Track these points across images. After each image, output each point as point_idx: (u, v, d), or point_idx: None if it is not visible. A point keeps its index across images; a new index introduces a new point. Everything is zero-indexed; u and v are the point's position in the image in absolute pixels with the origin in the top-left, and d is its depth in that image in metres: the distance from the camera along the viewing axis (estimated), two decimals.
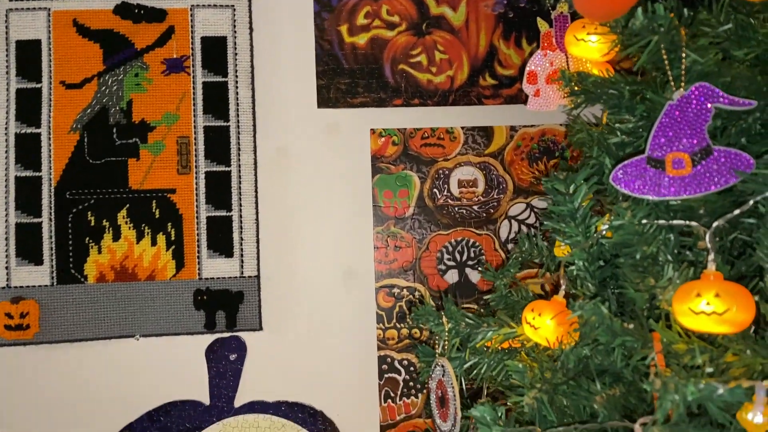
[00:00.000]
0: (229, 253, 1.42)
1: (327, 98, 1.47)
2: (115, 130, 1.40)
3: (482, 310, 1.32)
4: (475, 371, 1.01)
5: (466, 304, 1.49)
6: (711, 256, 0.71)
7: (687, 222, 0.77)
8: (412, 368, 1.48)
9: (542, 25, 1.17)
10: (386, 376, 1.48)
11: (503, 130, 1.50)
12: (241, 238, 1.42)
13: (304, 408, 1.46)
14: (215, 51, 1.42)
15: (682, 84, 0.77)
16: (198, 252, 1.41)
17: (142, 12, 1.39)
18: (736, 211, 0.72)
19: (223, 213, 1.42)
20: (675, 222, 0.78)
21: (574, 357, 0.83)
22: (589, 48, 0.94)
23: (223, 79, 1.42)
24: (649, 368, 0.73)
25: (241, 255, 1.42)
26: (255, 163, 1.43)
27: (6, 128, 1.37)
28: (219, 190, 1.42)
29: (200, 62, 1.42)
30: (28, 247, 1.37)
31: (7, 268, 1.36)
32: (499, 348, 0.99)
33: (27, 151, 1.37)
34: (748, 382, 0.61)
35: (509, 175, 1.50)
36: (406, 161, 1.48)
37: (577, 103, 0.94)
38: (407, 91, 1.48)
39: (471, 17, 1.49)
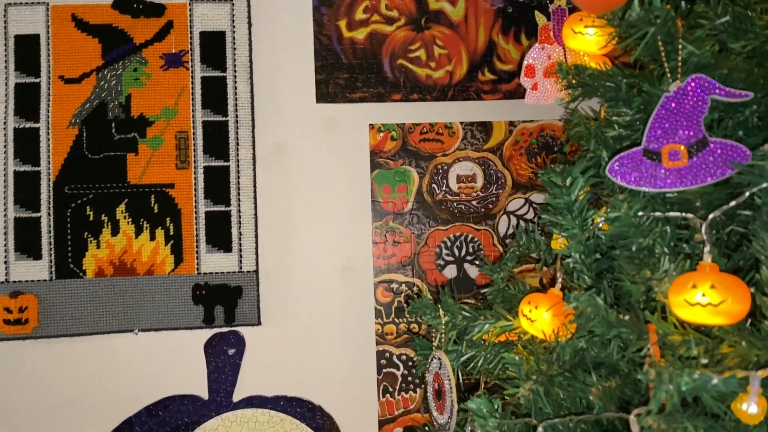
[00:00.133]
0: (227, 248, 1.42)
1: (326, 93, 1.47)
2: (113, 125, 1.40)
3: (480, 305, 1.32)
4: (471, 364, 1.01)
5: (464, 299, 1.49)
6: (707, 248, 0.71)
7: (683, 214, 0.77)
8: (410, 363, 1.48)
9: (540, 19, 1.17)
10: (384, 370, 1.48)
11: (502, 126, 1.50)
12: (240, 233, 1.42)
13: (302, 403, 1.46)
14: (214, 46, 1.42)
15: (679, 76, 0.77)
16: (197, 247, 1.41)
17: (140, 6, 1.39)
18: (732, 203, 0.72)
19: (222, 208, 1.42)
20: (671, 214, 0.78)
21: (570, 349, 0.83)
22: (587, 41, 0.94)
23: (222, 74, 1.42)
24: (645, 360, 0.73)
25: (240, 250, 1.42)
26: (254, 158, 1.43)
27: (5, 123, 1.37)
28: (218, 185, 1.42)
29: (199, 57, 1.42)
30: (26, 242, 1.37)
31: (6, 262, 1.37)
32: (496, 341, 0.99)
33: (26, 145, 1.37)
34: (743, 373, 0.61)
35: (508, 171, 1.50)
36: (404, 156, 1.48)
37: (574, 96, 0.93)
38: (406, 86, 1.48)
39: (470, 12, 1.49)
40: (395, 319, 1.48)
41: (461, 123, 1.49)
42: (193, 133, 1.41)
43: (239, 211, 1.42)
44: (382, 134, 1.48)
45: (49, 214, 1.38)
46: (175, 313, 1.40)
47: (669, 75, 0.78)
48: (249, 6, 1.43)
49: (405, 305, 1.47)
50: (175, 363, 1.43)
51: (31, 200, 1.38)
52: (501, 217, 1.50)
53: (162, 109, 1.41)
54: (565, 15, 1.11)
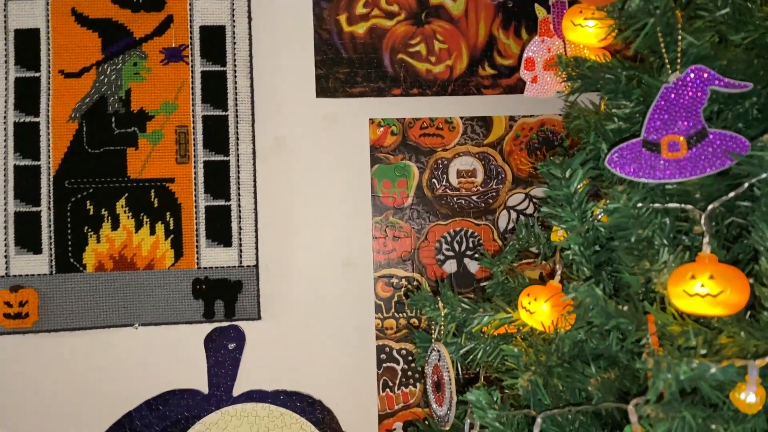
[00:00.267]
0: (227, 243, 1.42)
1: (326, 88, 1.47)
2: (113, 120, 1.40)
3: (480, 298, 1.32)
4: (471, 356, 1.01)
5: (464, 294, 1.49)
6: (706, 239, 0.71)
7: (682, 205, 0.77)
8: (410, 358, 1.48)
9: (540, 11, 1.17)
10: (384, 365, 1.48)
11: (502, 120, 1.50)
12: (240, 228, 1.42)
13: (302, 397, 1.46)
14: (214, 40, 1.42)
15: (678, 67, 0.77)
16: (197, 241, 1.41)
17: (140, 1, 1.39)
18: (731, 194, 0.72)
19: (222, 202, 1.42)
20: (670, 205, 0.78)
21: (569, 341, 0.83)
22: (587, 33, 0.94)
23: (222, 69, 1.42)
24: (644, 350, 0.73)
25: (240, 244, 1.42)
26: (253, 153, 1.43)
27: (5, 117, 1.37)
28: (217, 179, 1.42)
29: (199, 51, 1.42)
30: (27, 236, 1.37)
31: (6, 256, 1.37)
32: (495, 333, 0.99)
33: (26, 140, 1.37)
34: (741, 362, 0.61)
35: (508, 165, 1.50)
36: (404, 151, 1.48)
37: (573, 89, 0.93)
38: (406, 80, 1.48)
39: (470, 6, 1.48)
40: (395, 314, 1.48)
41: (461, 118, 1.49)
42: (193, 128, 1.41)
43: (239, 205, 1.42)
44: (382, 129, 1.48)
45: (49, 209, 1.38)
46: (175, 307, 1.40)
47: (668, 66, 0.78)
48: (249, 0, 1.43)
49: (405, 300, 1.47)
50: (175, 357, 1.43)
51: (31, 194, 1.38)
52: (501, 212, 1.50)
53: (162, 104, 1.41)
54: (564, 7, 1.11)
